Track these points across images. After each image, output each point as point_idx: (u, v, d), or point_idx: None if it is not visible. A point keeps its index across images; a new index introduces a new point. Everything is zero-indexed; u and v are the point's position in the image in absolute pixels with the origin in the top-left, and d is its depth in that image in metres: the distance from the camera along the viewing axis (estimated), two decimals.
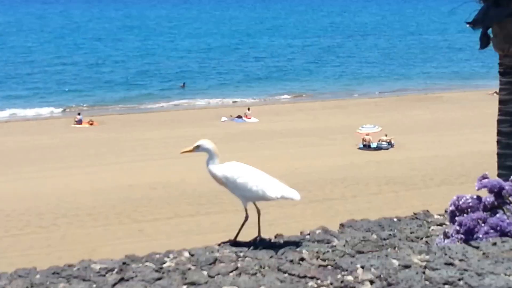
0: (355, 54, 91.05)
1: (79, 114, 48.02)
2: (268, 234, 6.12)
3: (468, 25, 14.34)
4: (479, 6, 14.13)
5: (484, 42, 14.26)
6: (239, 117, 47.82)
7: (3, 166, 32.87)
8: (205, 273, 4.70)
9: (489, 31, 14.36)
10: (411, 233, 5.87)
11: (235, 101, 57.82)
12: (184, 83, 66.25)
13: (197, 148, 5.42)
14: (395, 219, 6.57)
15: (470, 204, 5.65)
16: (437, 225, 6.28)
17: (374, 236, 5.65)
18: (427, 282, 4.10)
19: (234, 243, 5.57)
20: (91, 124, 45.73)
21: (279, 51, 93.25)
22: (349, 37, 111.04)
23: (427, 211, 7.08)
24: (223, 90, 64.03)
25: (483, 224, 5.53)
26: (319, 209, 22.55)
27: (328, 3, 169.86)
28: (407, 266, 4.40)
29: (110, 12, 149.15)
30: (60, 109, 55.82)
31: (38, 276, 4.54)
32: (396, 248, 5.02)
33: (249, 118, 47.52)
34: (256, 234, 5.82)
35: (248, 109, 49.91)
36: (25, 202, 25.92)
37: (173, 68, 77.68)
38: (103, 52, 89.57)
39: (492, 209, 5.91)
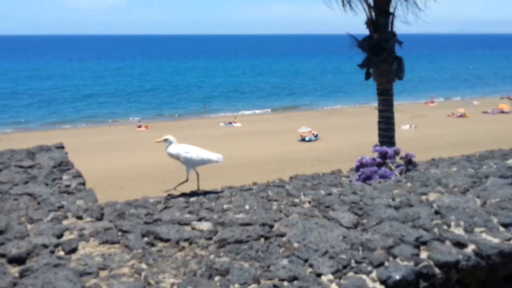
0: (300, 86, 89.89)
1: (139, 121, 47.50)
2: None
3: (358, 66, 14.43)
4: (364, 55, 14.21)
5: (368, 76, 14.37)
6: (230, 123, 47.71)
7: (100, 153, 32.50)
8: (213, 203, 4.76)
9: (371, 70, 14.39)
10: (330, 181, 5.84)
11: (228, 115, 57.30)
12: (205, 104, 65.60)
13: (166, 140, 5.27)
14: (321, 174, 6.50)
15: (368, 162, 5.73)
16: (345, 177, 6.24)
17: (309, 183, 5.65)
18: (341, 202, 4.02)
19: (198, 191, 5.43)
20: (146, 127, 45.46)
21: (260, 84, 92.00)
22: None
23: (340, 169, 6.94)
24: (224, 107, 63.59)
25: (376, 174, 5.35)
26: (276, 174, 22.50)
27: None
28: (329, 194, 4.40)
29: (166, 64, 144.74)
30: (130, 118, 55.05)
31: (118, 205, 4.60)
32: (322, 187, 4.94)
33: (236, 123, 47.48)
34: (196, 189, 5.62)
35: (235, 118, 49.92)
36: (111, 172, 25.66)
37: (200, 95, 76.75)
38: (161, 87, 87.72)
39: (380, 165, 6.40)
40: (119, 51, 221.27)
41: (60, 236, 3.78)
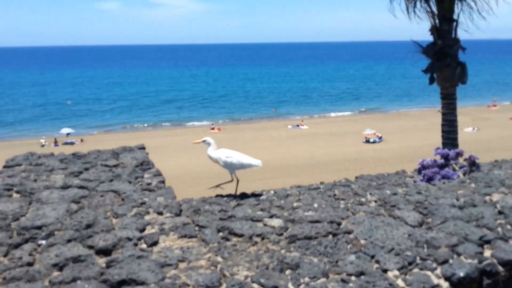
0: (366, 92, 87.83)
1: (212, 124, 48.27)
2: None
3: (423, 72, 14.01)
4: (428, 61, 13.80)
5: (432, 81, 13.93)
6: (297, 125, 47.52)
7: (176, 153, 33.41)
8: (282, 201, 4.76)
9: (434, 75, 13.95)
10: (395, 181, 5.68)
11: (295, 118, 57.07)
12: (275, 108, 65.87)
13: (204, 141, 5.18)
14: (385, 174, 6.36)
15: (430, 163, 5.44)
16: (409, 177, 6.04)
17: (374, 183, 5.52)
18: (407, 202, 3.90)
19: (235, 196, 5.28)
20: (219, 129, 46.24)
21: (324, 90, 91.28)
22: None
23: (404, 170, 6.74)
24: (292, 111, 63.73)
25: (437, 175, 5.13)
26: (341, 174, 22.09)
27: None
28: (395, 194, 4.29)
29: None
30: (203, 122, 56.20)
31: (194, 202, 4.83)
32: (387, 186, 4.80)
33: (303, 126, 47.20)
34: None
35: (302, 120, 49.64)
36: (186, 170, 26.16)
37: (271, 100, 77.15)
38: (232, 93, 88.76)
39: (442, 166, 6.21)
40: (195, 59, 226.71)
41: (142, 230, 3.92)
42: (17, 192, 4.99)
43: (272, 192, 5.36)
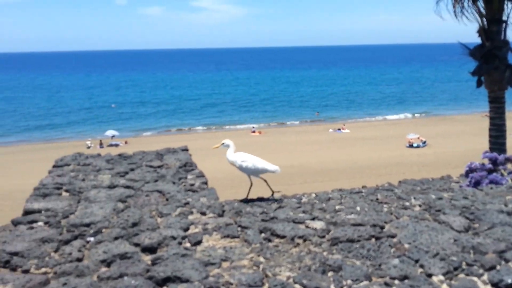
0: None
1: (253, 127, 48.50)
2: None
3: (470, 74, 13.62)
4: (476, 63, 13.41)
5: (479, 84, 13.52)
6: (338, 129, 47.07)
7: (217, 155, 33.40)
8: (324, 204, 4.61)
9: (482, 78, 13.53)
10: (440, 186, 5.56)
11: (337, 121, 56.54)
12: (318, 112, 65.47)
13: (223, 144, 5.16)
14: (430, 179, 6.23)
15: (478, 167, 5.33)
16: (455, 182, 5.90)
17: (418, 188, 5.44)
18: (452, 206, 3.82)
19: (246, 200, 5.23)
20: (260, 133, 46.37)
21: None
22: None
23: (449, 175, 6.59)
24: (335, 115, 63.30)
25: (485, 179, 5.00)
26: (383, 179, 21.69)
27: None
28: (440, 198, 4.20)
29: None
30: (244, 125, 56.66)
31: (236, 204, 4.98)
32: (432, 191, 4.72)
33: (344, 129, 46.71)
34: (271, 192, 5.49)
35: (344, 124, 49.14)
36: (226, 172, 26.30)
37: (314, 103, 76.99)
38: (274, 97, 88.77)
39: (490, 171, 6.08)
40: (237, 63, 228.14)
41: (186, 229, 3.99)
42: (66, 190, 5.18)
43: (314, 195, 5.35)
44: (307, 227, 3.97)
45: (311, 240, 3.68)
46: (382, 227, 3.91)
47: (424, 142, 41.30)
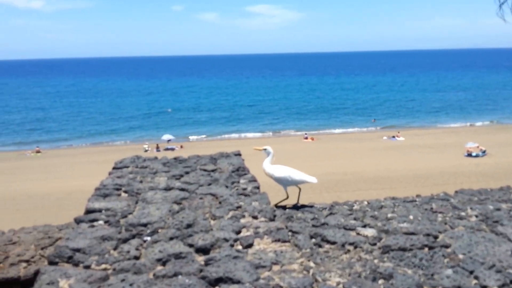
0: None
1: (305, 133, 48.30)
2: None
3: None
4: None
5: None
6: (393, 137, 46.10)
7: None
8: (376, 212, 4.49)
9: None
10: (499, 196, 5.37)
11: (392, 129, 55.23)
12: (374, 119, 64.35)
13: (265, 150, 5.11)
14: (488, 190, 6.02)
15: None
16: None
17: (476, 198, 5.24)
18: (511, 218, 3.68)
19: (283, 207, 5.30)
20: (312, 139, 46.14)
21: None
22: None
23: (509, 186, 6.34)
24: (390, 122, 61.97)
25: None
26: (439, 188, 21.02)
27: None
28: (498, 209, 4.05)
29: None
30: (293, 131, 56.52)
31: (287, 209, 4.92)
32: (490, 202, 4.56)
33: (399, 137, 45.68)
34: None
35: (398, 132, 48.06)
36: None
37: (369, 109, 75.69)
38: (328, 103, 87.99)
39: None
40: (291, 69, 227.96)
41: (238, 232, 4.07)
42: (125, 191, 5.39)
43: (366, 202, 5.30)
44: (358, 234, 3.96)
45: (362, 247, 3.66)
46: (435, 237, 3.83)
47: (484, 152, 39.65)
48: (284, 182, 5.27)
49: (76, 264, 3.42)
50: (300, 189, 5.45)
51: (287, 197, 5.40)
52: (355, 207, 4.98)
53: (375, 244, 3.70)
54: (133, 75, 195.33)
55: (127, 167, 6.64)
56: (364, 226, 4.12)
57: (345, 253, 3.58)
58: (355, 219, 4.38)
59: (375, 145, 44.41)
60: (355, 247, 3.67)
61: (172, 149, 44.83)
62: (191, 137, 55.45)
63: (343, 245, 3.69)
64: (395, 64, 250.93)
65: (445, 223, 4.16)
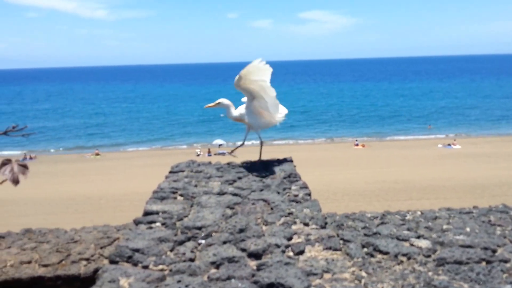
0: None
1: (356, 140, 47.76)
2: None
3: None
4: None
5: None
6: (448, 144, 44.66)
7: (319, 167, 33.45)
8: (430, 223, 4.47)
9: None
10: None
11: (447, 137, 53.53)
12: (430, 125, 62.68)
13: (218, 104, 4.96)
14: None
15: None
16: None
17: None
18: None
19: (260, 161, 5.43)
20: (363, 146, 45.38)
21: None
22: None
23: None
24: (447, 129, 60.28)
25: None
26: (498, 199, 20.18)
27: None
28: None
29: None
30: (345, 137, 55.90)
31: (337, 217, 4.70)
32: None
33: (455, 145, 44.19)
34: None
35: (454, 140, 46.52)
36: (327, 185, 25.99)
37: (425, 116, 73.66)
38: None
39: None
40: (344, 74, 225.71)
41: (289, 238, 4.08)
42: (181, 195, 5.53)
43: (419, 213, 5.18)
44: (411, 245, 3.89)
45: (416, 258, 3.59)
46: (494, 251, 3.70)
47: None
48: (255, 122, 5.11)
49: (135, 264, 3.55)
50: (262, 142, 5.35)
51: (262, 143, 5.25)
52: (408, 217, 4.88)
53: (429, 256, 3.62)
54: (189, 81, 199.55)
55: (183, 171, 6.80)
56: (418, 237, 4.03)
57: (398, 264, 3.52)
58: (408, 229, 4.30)
59: (429, 153, 43.09)
60: (409, 258, 3.60)
61: (223, 154, 45.36)
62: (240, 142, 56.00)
63: (396, 256, 3.63)
64: (453, 69, 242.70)
65: (504, 237, 4.01)
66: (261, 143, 5.36)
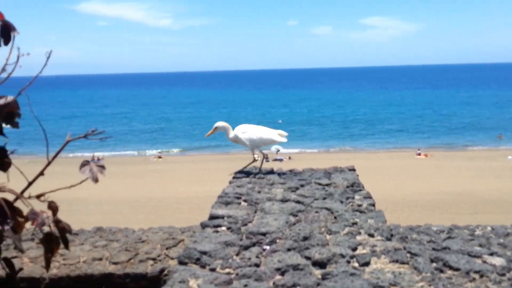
0: None
1: (418, 149, 46.37)
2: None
3: None
4: None
5: None
6: None
7: (380, 176, 32.78)
8: (501, 239, 4.09)
9: None
10: None
11: None
12: (500, 134, 59.59)
13: (216, 129, 4.80)
14: None
15: None
16: None
17: None
18: None
19: (241, 171, 5.23)
20: (426, 156, 43.90)
21: None
22: None
23: None
24: None
25: None
26: None
27: None
28: None
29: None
30: (405, 146, 54.40)
31: (401, 229, 4.52)
32: None
33: None
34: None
35: None
36: (387, 195, 25.23)
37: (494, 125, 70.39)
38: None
39: None
40: (407, 81, 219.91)
41: (354, 249, 4.03)
42: (245, 200, 5.60)
43: (489, 228, 4.96)
44: (484, 262, 3.72)
45: (489, 276, 3.43)
46: None
47: None
48: (253, 142, 5.09)
49: (203, 266, 3.63)
50: (264, 156, 5.28)
51: (254, 161, 5.21)
52: (477, 232, 4.68)
53: (504, 275, 3.44)
54: (250, 86, 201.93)
55: (246, 177, 6.88)
56: (491, 254, 3.86)
57: (470, 281, 3.38)
58: (480, 245, 4.12)
59: (497, 164, 40.93)
60: (481, 276, 3.44)
61: (281, 160, 45.37)
62: (299, 149, 55.70)
63: (467, 273, 3.49)
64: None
65: None
66: (264, 156, 5.46)
